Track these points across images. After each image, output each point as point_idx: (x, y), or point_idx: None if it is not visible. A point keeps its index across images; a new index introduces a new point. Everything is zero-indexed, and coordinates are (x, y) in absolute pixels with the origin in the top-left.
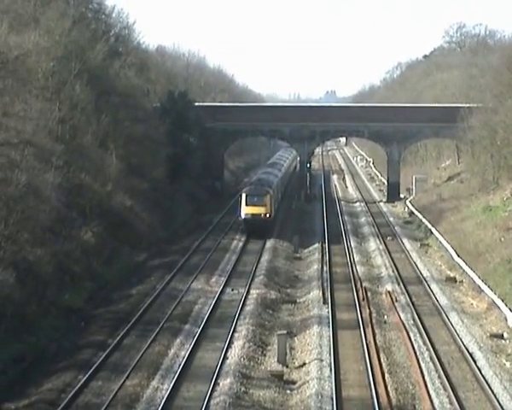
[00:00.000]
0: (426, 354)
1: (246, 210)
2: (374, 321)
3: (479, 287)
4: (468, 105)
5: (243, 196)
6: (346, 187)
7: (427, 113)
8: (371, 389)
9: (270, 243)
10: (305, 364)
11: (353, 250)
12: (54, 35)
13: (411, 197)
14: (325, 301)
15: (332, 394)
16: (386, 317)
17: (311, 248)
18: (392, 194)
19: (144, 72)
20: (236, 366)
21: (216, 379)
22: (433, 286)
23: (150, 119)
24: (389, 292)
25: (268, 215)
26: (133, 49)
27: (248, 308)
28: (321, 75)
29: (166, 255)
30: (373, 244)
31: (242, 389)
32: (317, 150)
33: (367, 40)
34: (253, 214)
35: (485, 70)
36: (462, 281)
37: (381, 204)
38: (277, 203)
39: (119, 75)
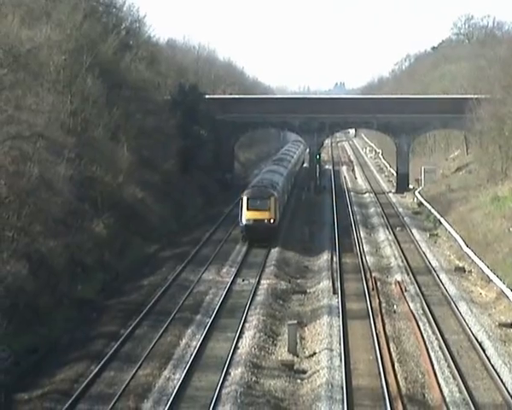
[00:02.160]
0: (435, 344)
1: (247, 215)
2: (383, 311)
3: (487, 277)
4: (476, 96)
5: (244, 199)
6: (356, 178)
7: (435, 104)
8: (381, 379)
9: (279, 240)
10: (315, 353)
11: (363, 241)
12: (65, 29)
13: (420, 188)
14: (335, 291)
15: (342, 383)
16: (395, 306)
17: (321, 239)
18: (401, 185)
19: (155, 65)
20: (247, 355)
21: (227, 369)
22: (442, 276)
23: (161, 111)
24: (398, 282)
25: (272, 220)
26: (144, 43)
27: (259, 299)
28: (330, 67)
29: (177, 247)
30: (382, 235)
31: (253, 378)
32: (327, 142)
33: (376, 32)
34: (255, 220)
35: (494, 61)
36: (470, 271)
37: (390, 195)
38: (283, 206)
39: (130, 68)
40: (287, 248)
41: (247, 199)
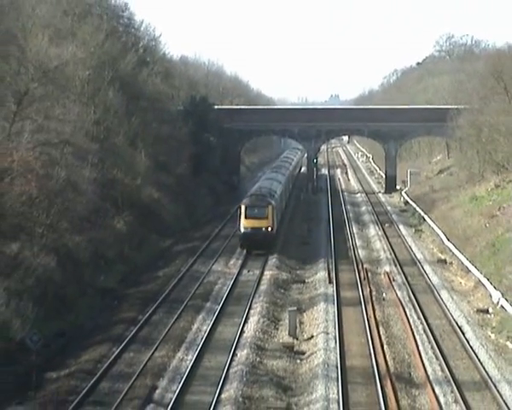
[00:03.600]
0: (420, 328)
1: (245, 223)
2: (374, 298)
3: (466, 268)
4: (456, 106)
5: (242, 207)
6: (349, 180)
7: (420, 114)
8: (372, 359)
9: (281, 234)
10: (313, 336)
11: (355, 236)
12: (89, 47)
13: (406, 189)
14: (330, 281)
15: (337, 363)
16: (384, 295)
17: (318, 234)
18: (390, 186)
19: (169, 79)
20: (252, 338)
21: (234, 351)
22: (426, 267)
23: (175, 120)
24: (387, 273)
25: (270, 229)
26: (159, 59)
27: (263, 288)
28: (326, 80)
29: (189, 241)
30: (372, 230)
31: (258, 359)
32: (323, 147)
33: (367, 49)
34: (253, 228)
35: (472, 75)
36: (451, 262)
37: (380, 195)
38: (281, 212)
39: (146, 82)
40: (288, 243)
41: (245, 207)
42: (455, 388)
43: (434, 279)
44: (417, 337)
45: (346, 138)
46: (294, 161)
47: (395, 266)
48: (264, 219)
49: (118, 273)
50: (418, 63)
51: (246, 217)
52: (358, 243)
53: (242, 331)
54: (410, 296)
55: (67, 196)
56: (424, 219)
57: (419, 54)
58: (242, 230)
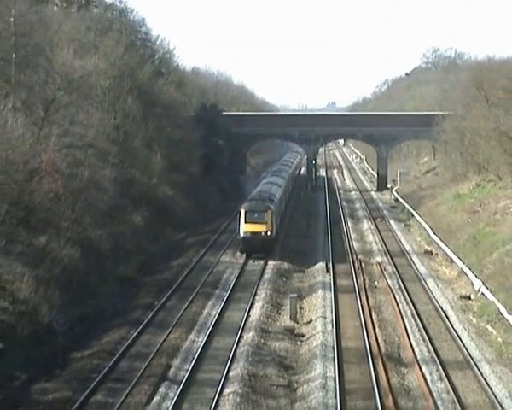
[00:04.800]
0: (408, 313)
1: (245, 228)
2: (367, 286)
3: (451, 258)
4: (441, 113)
5: (242, 212)
6: (344, 179)
7: (408, 119)
8: (365, 341)
9: (283, 229)
10: (311, 320)
11: (350, 230)
12: (110, 59)
13: (396, 187)
14: (328, 271)
15: (334, 344)
16: (376, 283)
17: (316, 228)
18: (381, 184)
19: (182, 88)
20: (257, 322)
21: (241, 333)
22: (414, 258)
23: (187, 125)
24: (379, 263)
25: (269, 233)
26: (173, 70)
27: (266, 276)
28: (324, 89)
29: (200, 234)
30: (366, 225)
31: (262, 340)
32: (321, 150)
33: (361, 61)
34: (252, 232)
35: (455, 85)
36: (437, 254)
37: (372, 193)
38: (281, 216)
39: (162, 91)
40: (289, 237)
41: (245, 212)
42: (440, 367)
43: (421, 269)
44: (406, 321)
45: (341, 142)
46: (294, 163)
47: (386, 256)
48: (263, 223)
49: (136, 263)
50: (407, 74)
51: (245, 221)
52: (353, 236)
53: (248, 316)
54: (400, 284)
55: (90, 194)
56: (412, 215)
57: (408, 65)
58: (242, 234)
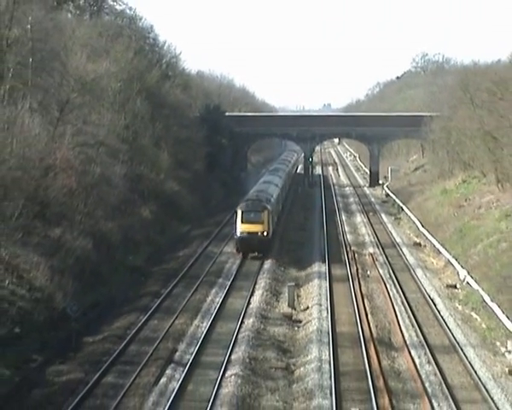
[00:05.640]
0: (398, 300)
1: (241, 228)
2: (360, 275)
3: (438, 250)
4: (429, 114)
5: (239, 212)
6: (339, 175)
7: (399, 120)
8: (358, 326)
9: (281, 225)
10: (308, 307)
11: (344, 223)
12: (120, 63)
13: (387, 183)
14: (324, 261)
15: (329, 329)
16: (368, 272)
17: (313, 222)
18: (373, 180)
19: (187, 90)
20: (257, 309)
21: (242, 319)
22: (404, 249)
23: (192, 125)
24: (371, 254)
25: (266, 233)
26: (179, 73)
27: (266, 266)
28: (320, 91)
29: (204, 227)
30: (359, 218)
31: (262, 326)
32: (317, 148)
33: (354, 65)
34: (249, 232)
35: (443, 88)
36: (425, 245)
37: (365, 188)
38: (278, 215)
39: (169, 93)
40: (288, 230)
41: (242, 212)
42: (428, 351)
43: (411, 259)
44: (396, 308)
45: (336, 140)
46: (291, 162)
47: (378, 248)
48: (260, 223)
49: (144, 254)
50: (397, 77)
51: (242, 221)
52: (347, 228)
53: (249, 303)
54: (391, 274)
55: (102, 189)
56: (402, 209)
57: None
58: (239, 234)
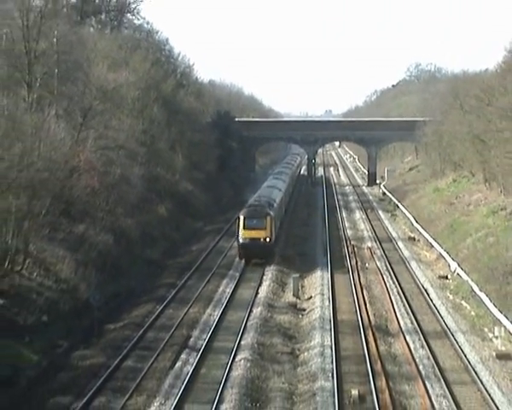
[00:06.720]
0: (394, 290)
1: (244, 234)
2: (359, 268)
3: (430, 244)
4: (422, 119)
5: (241, 218)
6: (339, 176)
7: (394, 124)
8: (357, 314)
9: (287, 218)
10: (311, 297)
11: (344, 219)
12: (138, 73)
13: (384, 182)
14: (325, 254)
15: (330, 317)
16: (367, 265)
17: (315, 218)
18: (371, 180)
19: (200, 97)
20: (265, 298)
21: (251, 308)
22: (399, 243)
23: (204, 130)
24: (369, 247)
25: (268, 239)
26: (193, 82)
27: (273, 259)
28: (322, 98)
29: (216, 223)
30: (358, 214)
31: (269, 314)
32: (319, 151)
33: (353, 74)
34: (251, 239)
35: (435, 95)
36: (419, 240)
37: (363, 187)
38: (280, 220)
39: (183, 100)
40: (292, 225)
41: (244, 218)
42: (421, 336)
43: (406, 253)
44: (392, 298)
45: (337, 143)
46: (295, 165)
47: (375, 242)
48: (262, 229)
49: (160, 248)
50: (393, 85)
51: (244, 228)
52: (347, 224)
53: (257, 293)
54: (387, 266)
55: (121, 188)
56: (398, 206)
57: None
58: (241, 240)
